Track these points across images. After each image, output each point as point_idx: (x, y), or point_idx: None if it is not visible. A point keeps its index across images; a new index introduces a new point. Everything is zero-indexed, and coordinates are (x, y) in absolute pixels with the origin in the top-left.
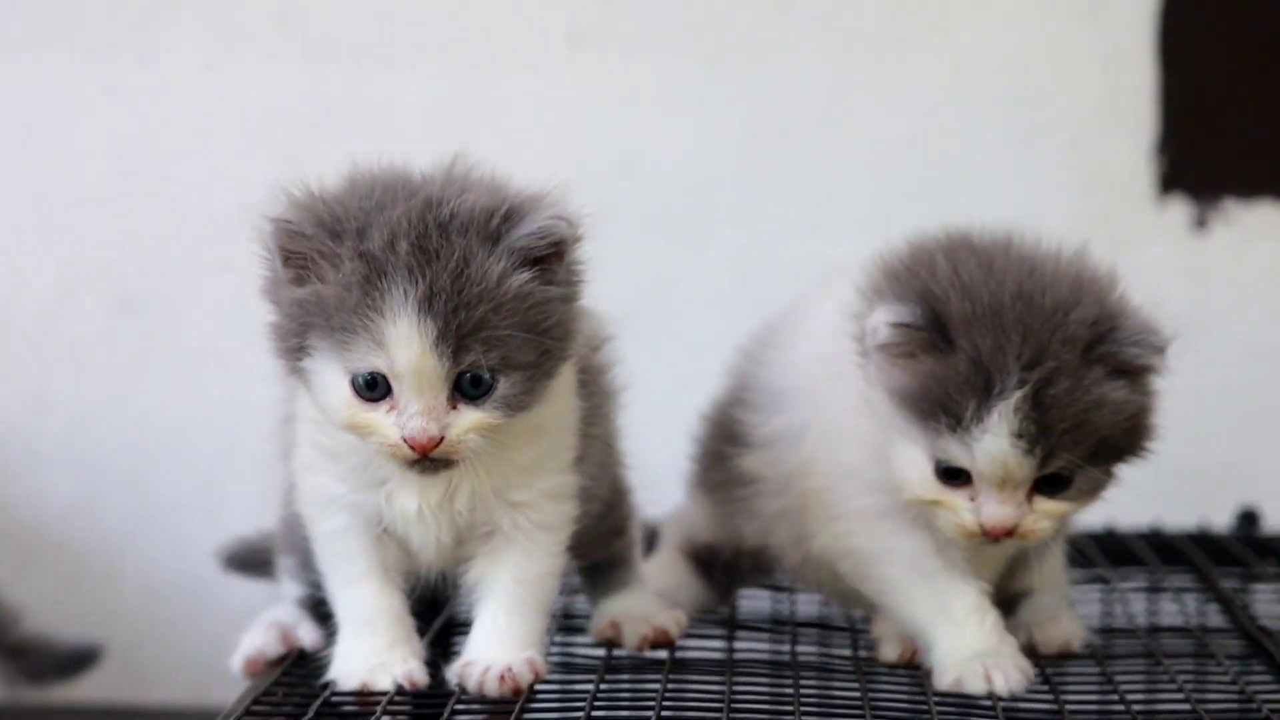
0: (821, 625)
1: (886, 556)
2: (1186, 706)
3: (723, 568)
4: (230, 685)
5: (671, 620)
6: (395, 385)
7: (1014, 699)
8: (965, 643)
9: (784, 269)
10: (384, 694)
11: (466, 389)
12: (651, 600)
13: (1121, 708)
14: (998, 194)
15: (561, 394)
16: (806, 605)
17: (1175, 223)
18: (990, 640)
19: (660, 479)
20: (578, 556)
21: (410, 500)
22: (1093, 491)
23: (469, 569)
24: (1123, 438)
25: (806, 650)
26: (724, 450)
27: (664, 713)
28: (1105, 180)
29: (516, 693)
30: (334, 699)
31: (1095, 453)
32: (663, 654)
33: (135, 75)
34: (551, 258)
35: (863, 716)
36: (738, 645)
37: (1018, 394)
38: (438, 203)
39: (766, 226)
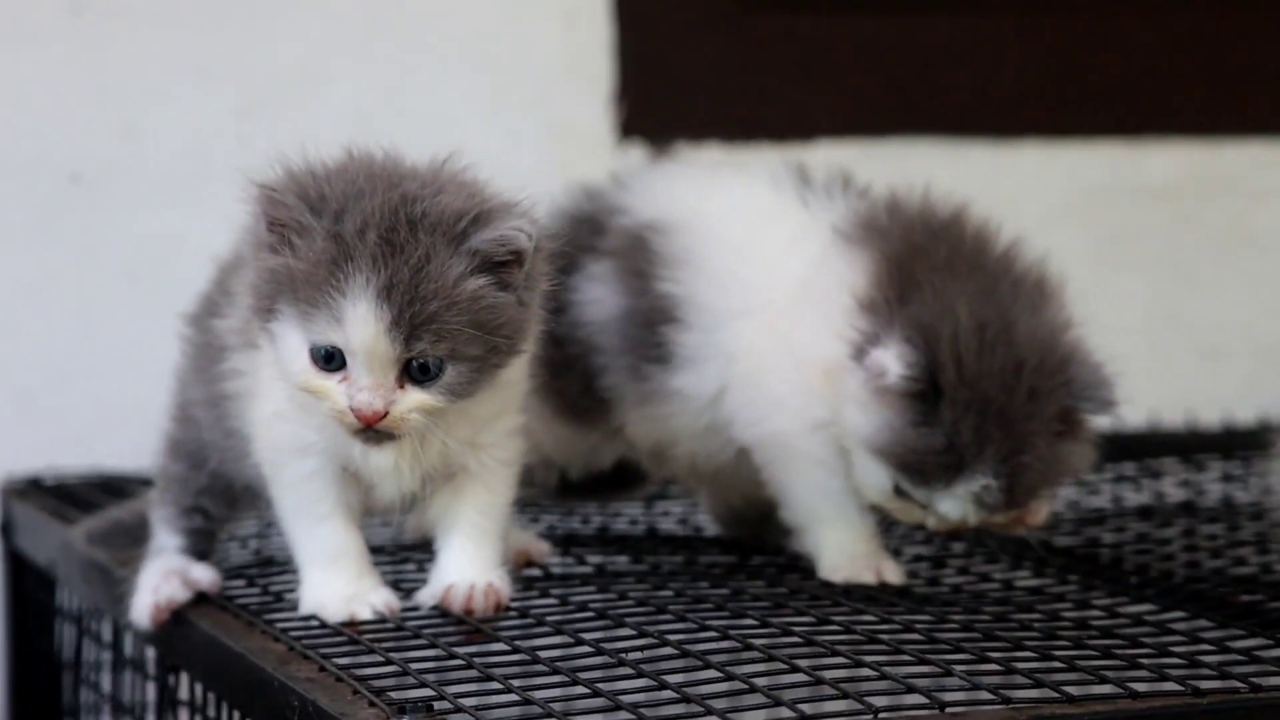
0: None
1: (820, 460)
2: None
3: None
4: None
5: (536, 547)
6: (349, 360)
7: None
8: (852, 546)
9: None
10: (367, 623)
11: (414, 373)
12: (517, 530)
13: None
14: (472, 144)
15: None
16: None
17: (634, 166)
18: (873, 545)
19: None
20: None
21: (385, 456)
22: None
23: (430, 505)
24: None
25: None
26: (632, 368)
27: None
28: (570, 129)
29: (498, 606)
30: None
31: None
32: (537, 571)
33: None
34: (511, 264)
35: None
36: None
37: (988, 482)
38: (413, 200)
39: None
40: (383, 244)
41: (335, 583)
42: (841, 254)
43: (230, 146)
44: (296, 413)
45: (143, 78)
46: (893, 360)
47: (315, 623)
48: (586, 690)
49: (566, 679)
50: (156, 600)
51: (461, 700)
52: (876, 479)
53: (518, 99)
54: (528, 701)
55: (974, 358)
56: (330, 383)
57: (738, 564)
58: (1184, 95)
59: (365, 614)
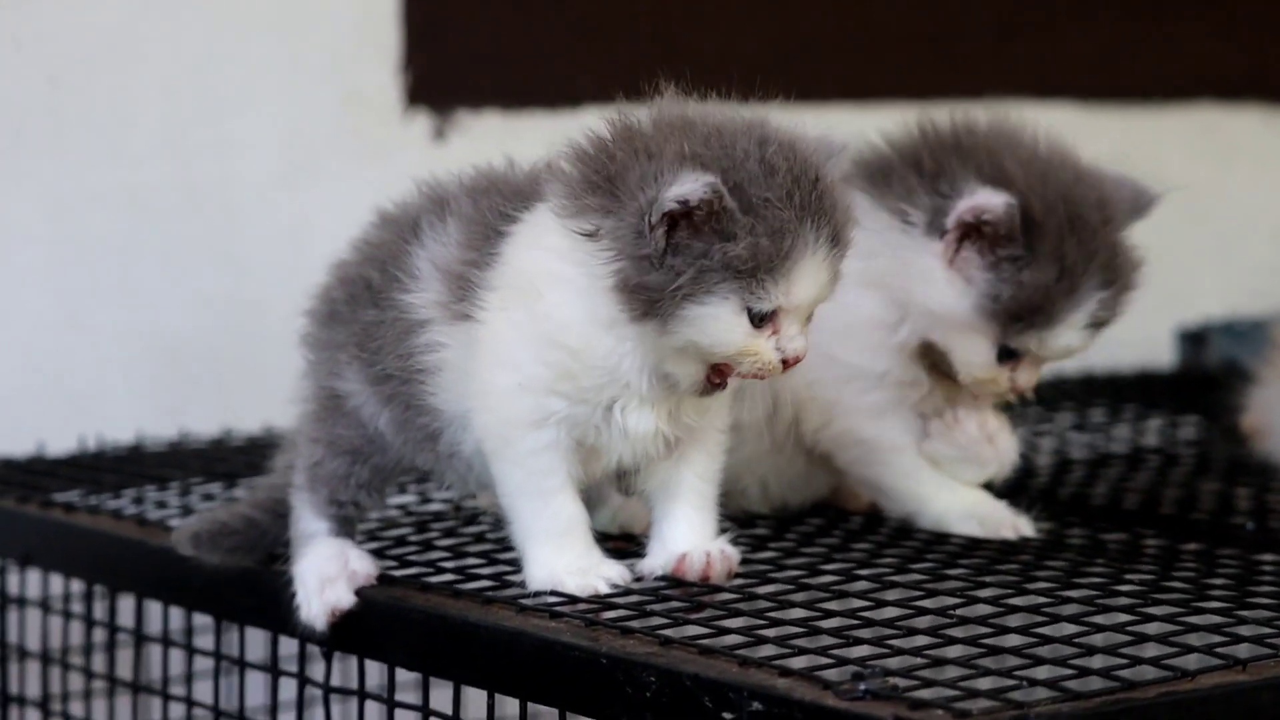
0: None
1: (895, 445)
2: None
3: None
4: None
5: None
6: (783, 316)
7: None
8: (972, 508)
9: (93, 198)
10: (607, 596)
11: None
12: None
13: None
14: (273, 111)
15: None
16: None
17: (419, 133)
18: (994, 503)
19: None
20: None
21: (645, 418)
22: None
23: (650, 473)
24: None
25: None
26: None
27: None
28: (360, 97)
29: (730, 572)
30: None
31: None
32: None
33: None
34: None
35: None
36: None
37: (1103, 295)
38: (811, 160)
39: (75, 157)
40: (820, 200)
41: (567, 556)
42: None
43: (42, 117)
44: (550, 383)
45: None
46: (989, 196)
47: (553, 598)
48: (982, 649)
49: (939, 640)
50: (335, 605)
51: (881, 664)
52: (980, 354)
53: (313, 67)
54: (939, 662)
55: (1041, 183)
56: (760, 340)
57: (868, 525)
58: (905, 61)
59: (603, 588)
